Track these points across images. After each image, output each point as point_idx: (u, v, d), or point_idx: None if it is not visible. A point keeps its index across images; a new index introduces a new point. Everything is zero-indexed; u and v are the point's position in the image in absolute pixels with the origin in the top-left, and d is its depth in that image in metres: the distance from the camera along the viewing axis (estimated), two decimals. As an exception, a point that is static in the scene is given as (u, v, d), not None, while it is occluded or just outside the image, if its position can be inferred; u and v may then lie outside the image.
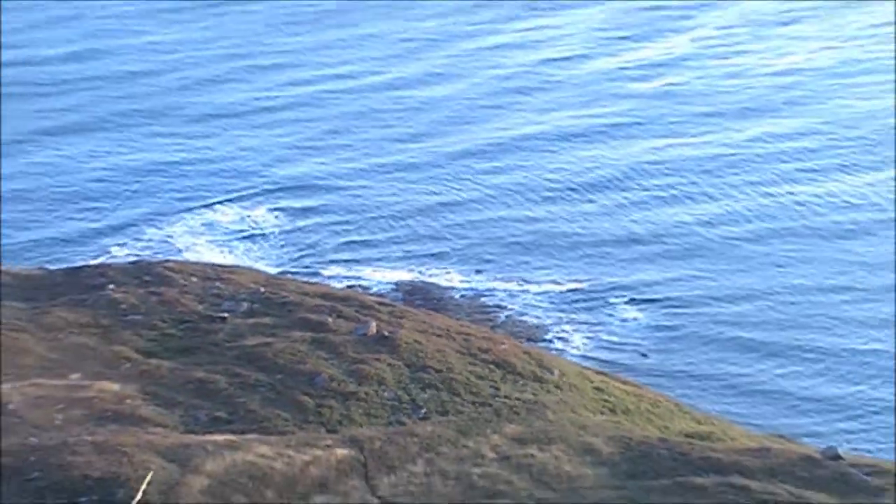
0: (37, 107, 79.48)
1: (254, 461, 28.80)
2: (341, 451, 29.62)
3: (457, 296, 58.30)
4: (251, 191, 69.37)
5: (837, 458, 30.46)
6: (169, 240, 63.93)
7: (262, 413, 33.57)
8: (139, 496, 13.13)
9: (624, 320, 56.98)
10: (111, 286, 41.76)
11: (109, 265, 48.04)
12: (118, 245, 63.01)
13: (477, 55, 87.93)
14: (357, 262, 61.85)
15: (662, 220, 66.29)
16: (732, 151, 73.77)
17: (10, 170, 70.99)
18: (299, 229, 65.32)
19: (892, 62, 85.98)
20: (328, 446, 29.97)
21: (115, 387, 34.51)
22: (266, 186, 69.84)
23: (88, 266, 48.24)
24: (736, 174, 71.09)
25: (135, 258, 55.81)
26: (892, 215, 66.34)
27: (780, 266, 61.72)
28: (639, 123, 77.48)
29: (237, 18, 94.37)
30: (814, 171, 71.58)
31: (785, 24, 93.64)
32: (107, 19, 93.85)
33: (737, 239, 64.45)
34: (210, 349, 37.31)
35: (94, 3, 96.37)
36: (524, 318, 56.53)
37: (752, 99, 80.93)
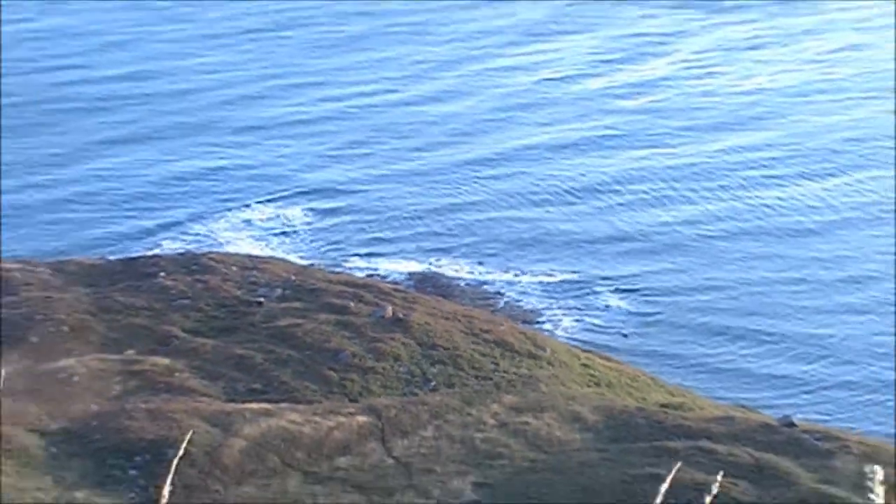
0: (99, 120, 79.54)
1: (286, 426, 29.03)
2: (361, 418, 29.82)
3: (462, 284, 58.31)
4: (284, 193, 69.41)
5: (792, 425, 30.64)
6: (212, 234, 64.01)
7: (292, 385, 33.77)
8: (181, 452, 13.40)
9: (608, 307, 56.98)
10: (162, 274, 41.96)
11: (161, 256, 48.16)
12: (169, 239, 63.12)
13: (483, 75, 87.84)
14: (376, 254, 61.92)
15: (645, 220, 66.24)
16: (706, 160, 73.68)
17: (75, 175, 71.14)
18: (326, 227, 65.39)
19: (845, 83, 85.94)
20: (350, 414, 30.18)
21: (166, 361, 34.78)
22: (298, 189, 69.86)
23: (143, 257, 48.38)
24: (709, 180, 70.97)
25: (183, 250, 55.89)
26: (845, 216, 66.34)
27: (746, 261, 61.66)
28: (624, 136, 77.34)
29: (273, 43, 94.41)
30: (777, 177, 71.48)
31: (752, 49, 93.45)
32: (159, 44, 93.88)
33: (709, 237, 64.38)
34: (248, 329, 37.52)
35: (148, 30, 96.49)
36: (521, 303, 56.54)
37: (723, 115, 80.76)
